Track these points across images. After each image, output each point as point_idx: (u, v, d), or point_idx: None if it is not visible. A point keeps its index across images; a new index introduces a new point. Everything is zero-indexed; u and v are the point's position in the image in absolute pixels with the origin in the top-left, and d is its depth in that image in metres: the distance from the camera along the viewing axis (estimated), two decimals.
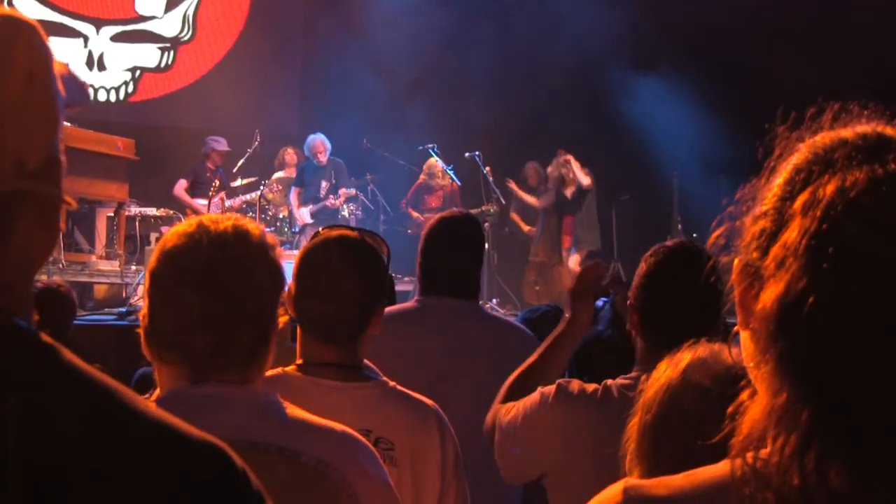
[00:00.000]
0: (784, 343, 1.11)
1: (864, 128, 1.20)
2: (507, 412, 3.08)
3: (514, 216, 13.68)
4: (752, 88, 12.49)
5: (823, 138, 1.21)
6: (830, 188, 1.11)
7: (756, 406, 1.14)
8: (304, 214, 12.28)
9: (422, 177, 13.08)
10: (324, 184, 12.36)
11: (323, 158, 12.38)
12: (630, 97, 13.64)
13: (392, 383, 2.72)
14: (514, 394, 3.15)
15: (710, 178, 11.57)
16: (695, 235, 12.65)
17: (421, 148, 12.83)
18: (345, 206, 12.38)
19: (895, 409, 1.05)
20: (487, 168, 12.63)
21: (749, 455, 1.14)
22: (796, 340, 1.10)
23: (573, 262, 12.59)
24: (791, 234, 1.12)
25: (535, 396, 2.99)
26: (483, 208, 12.71)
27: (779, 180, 1.21)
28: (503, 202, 12.96)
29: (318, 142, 12.39)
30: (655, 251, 3.02)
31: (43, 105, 1.18)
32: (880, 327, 1.05)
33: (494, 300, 12.49)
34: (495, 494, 3.54)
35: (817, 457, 1.08)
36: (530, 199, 13.21)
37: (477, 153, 12.57)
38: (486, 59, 13.52)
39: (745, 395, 1.18)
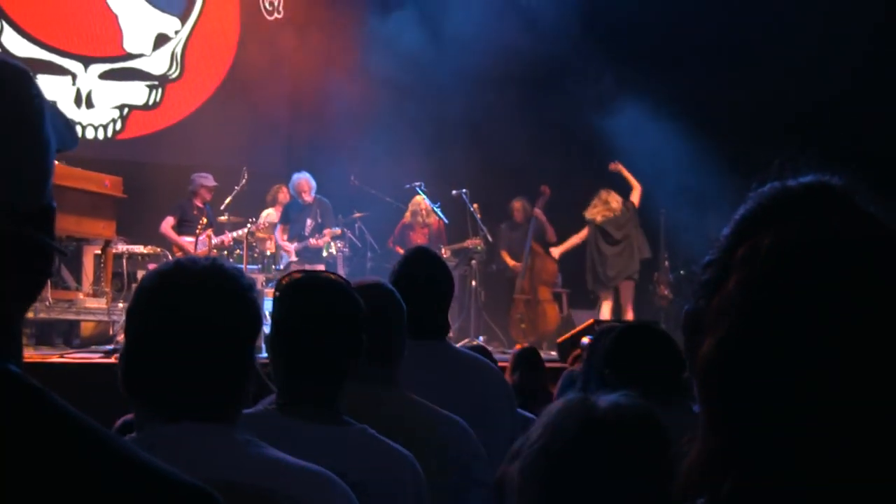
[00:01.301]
0: (717, 392, 1.13)
1: (808, 179, 1.22)
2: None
3: (503, 253, 13.68)
4: (745, 123, 12.56)
5: (770, 189, 1.23)
6: (768, 241, 1.13)
7: (695, 450, 1.16)
8: (291, 252, 12.27)
9: (407, 215, 13.10)
10: (308, 221, 12.34)
11: (308, 197, 12.36)
12: (619, 136, 13.70)
13: (371, 431, 2.72)
14: None
15: (699, 215, 11.61)
16: (682, 273, 12.69)
17: (408, 186, 12.84)
18: (332, 244, 12.36)
19: (818, 466, 1.07)
20: (475, 205, 12.66)
21: (690, 501, 1.15)
22: (727, 391, 1.12)
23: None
24: (731, 284, 1.14)
25: None
26: (469, 244, 12.73)
27: (727, 231, 1.24)
28: (490, 239, 12.98)
29: (303, 181, 12.36)
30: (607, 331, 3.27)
31: (33, 150, 1.19)
32: (804, 384, 1.08)
33: (481, 337, 12.47)
34: None
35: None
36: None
37: (464, 191, 12.59)
38: (473, 99, 13.56)
39: (685, 440, 1.19)
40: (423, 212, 12.89)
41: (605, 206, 12.84)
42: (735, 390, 1.11)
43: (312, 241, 12.23)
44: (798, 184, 1.22)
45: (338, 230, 12.40)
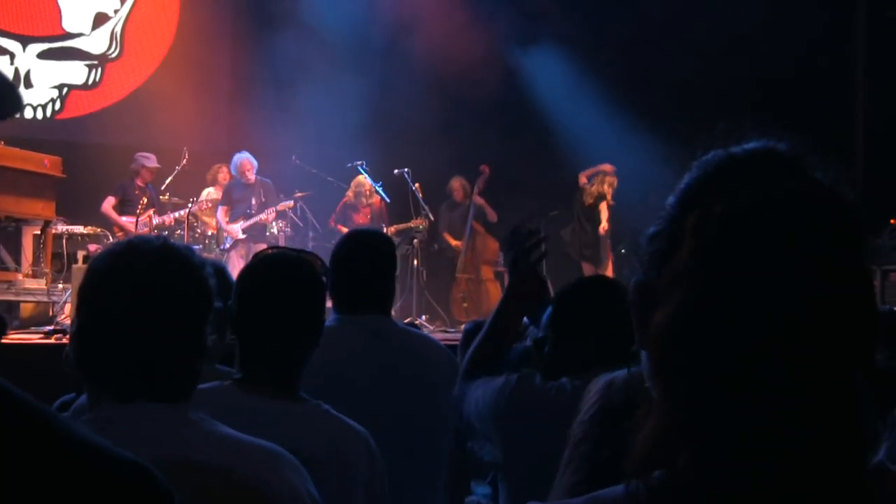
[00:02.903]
0: (673, 363, 1.13)
1: (753, 145, 1.21)
2: (474, 391, 3.16)
3: (445, 234, 13.69)
4: (682, 102, 12.63)
5: (715, 157, 1.22)
6: (719, 208, 1.12)
7: (650, 423, 1.15)
8: (234, 230, 12.24)
9: (349, 194, 13.06)
10: (254, 201, 12.33)
11: (251, 176, 12.36)
12: (558, 113, 13.74)
13: (326, 406, 2.75)
14: (477, 367, 3.24)
15: (639, 192, 11.66)
16: (622, 251, 12.77)
17: (350, 165, 12.81)
18: (274, 224, 12.36)
19: (780, 433, 1.08)
20: (417, 185, 12.65)
21: (645, 474, 1.15)
22: (682, 363, 1.11)
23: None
24: (682, 254, 1.13)
25: (499, 381, 3.08)
26: (412, 224, 12.73)
27: (672, 200, 1.22)
28: (432, 218, 12.99)
29: (245, 160, 12.36)
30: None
31: None
32: (761, 354, 1.08)
33: (424, 316, 12.50)
34: None
35: (706, 478, 1.11)
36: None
37: (406, 170, 12.57)
38: (414, 74, 13.54)
39: (640, 413, 1.18)
40: (367, 192, 12.87)
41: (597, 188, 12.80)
42: (690, 363, 1.10)
43: (263, 216, 12.25)
44: (744, 150, 1.20)
45: (290, 202, 12.47)
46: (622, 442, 1.84)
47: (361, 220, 12.75)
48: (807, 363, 1.08)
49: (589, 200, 12.77)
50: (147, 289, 2.07)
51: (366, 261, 3.81)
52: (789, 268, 1.08)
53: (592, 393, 2.00)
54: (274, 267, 2.82)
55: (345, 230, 12.37)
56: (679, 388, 1.12)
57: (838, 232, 1.11)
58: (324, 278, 2.89)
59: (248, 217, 12.28)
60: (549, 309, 3.47)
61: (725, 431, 1.10)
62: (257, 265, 2.84)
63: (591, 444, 1.92)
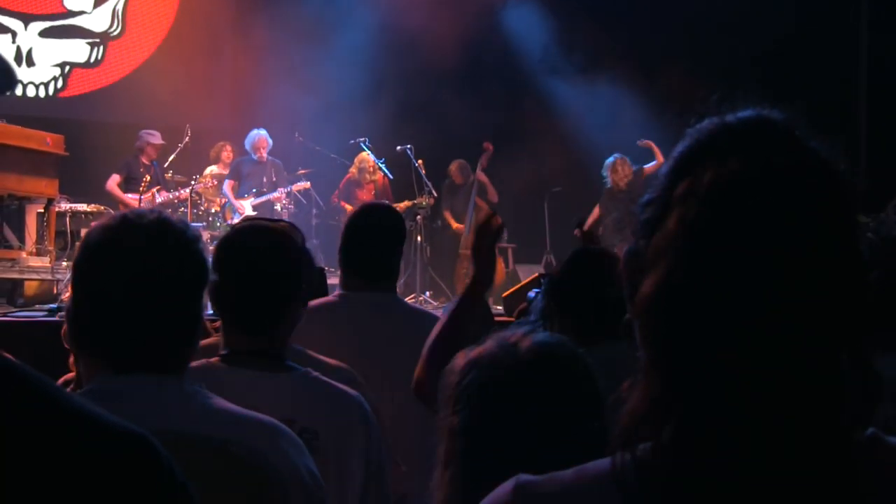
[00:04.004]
0: (660, 333, 1.11)
1: (747, 114, 1.20)
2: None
3: (446, 214, 13.64)
4: (686, 80, 12.62)
5: (708, 125, 1.20)
6: (708, 177, 1.11)
7: (636, 396, 1.14)
8: (244, 206, 12.20)
9: (352, 170, 13.00)
10: (265, 179, 12.32)
11: (264, 154, 12.33)
12: (560, 85, 13.71)
13: (315, 373, 2.74)
14: (438, 359, 3.22)
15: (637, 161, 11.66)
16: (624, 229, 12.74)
17: (353, 142, 12.78)
18: (278, 203, 12.35)
19: (764, 404, 1.08)
20: (419, 161, 12.62)
21: (631, 447, 1.14)
22: (668, 333, 1.10)
23: None
24: (670, 222, 1.12)
25: None
26: (416, 201, 12.71)
27: (665, 168, 1.21)
28: (435, 195, 12.97)
29: (262, 137, 12.31)
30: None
31: None
32: (745, 324, 1.07)
33: (427, 293, 12.48)
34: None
35: (692, 449, 1.10)
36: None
37: (409, 146, 12.54)
38: (414, 52, 13.52)
39: (625, 385, 1.16)
40: (370, 168, 12.82)
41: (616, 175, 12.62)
42: (676, 332, 1.09)
43: (276, 194, 12.26)
44: (737, 119, 1.19)
45: (307, 183, 12.51)
46: (494, 427, 1.83)
47: (365, 196, 12.70)
48: (791, 336, 1.07)
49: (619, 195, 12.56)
50: (141, 261, 2.06)
51: (377, 234, 3.81)
52: (774, 240, 1.07)
53: (455, 376, 1.96)
54: (250, 237, 2.79)
55: (349, 207, 12.36)
56: (663, 361, 1.11)
57: (827, 205, 1.10)
58: (305, 245, 2.86)
59: (257, 194, 12.25)
60: (540, 294, 3.47)
61: (709, 403, 1.09)
62: (233, 236, 2.82)
63: (464, 437, 1.89)
